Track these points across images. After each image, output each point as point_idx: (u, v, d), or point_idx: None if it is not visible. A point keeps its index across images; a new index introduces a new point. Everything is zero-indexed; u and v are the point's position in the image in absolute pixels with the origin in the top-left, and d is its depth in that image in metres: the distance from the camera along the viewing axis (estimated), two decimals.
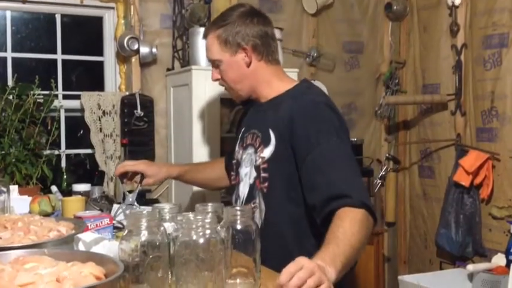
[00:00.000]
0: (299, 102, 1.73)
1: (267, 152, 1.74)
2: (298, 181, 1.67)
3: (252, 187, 1.79)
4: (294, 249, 1.63)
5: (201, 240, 1.19)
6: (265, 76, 1.84)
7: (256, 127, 1.83)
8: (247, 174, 1.81)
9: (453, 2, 3.28)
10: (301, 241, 1.69)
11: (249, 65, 1.81)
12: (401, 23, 3.76)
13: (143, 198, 2.71)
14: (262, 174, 1.75)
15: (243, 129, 1.93)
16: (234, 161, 1.92)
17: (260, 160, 1.76)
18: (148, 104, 3.08)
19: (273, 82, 1.84)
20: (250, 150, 1.82)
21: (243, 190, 1.82)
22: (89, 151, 3.13)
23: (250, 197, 1.79)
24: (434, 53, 3.48)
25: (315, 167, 1.59)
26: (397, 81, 3.73)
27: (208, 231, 1.20)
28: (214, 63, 1.86)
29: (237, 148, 1.92)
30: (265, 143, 1.76)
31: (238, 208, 1.32)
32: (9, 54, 3.00)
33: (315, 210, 1.58)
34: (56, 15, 3.10)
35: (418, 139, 3.66)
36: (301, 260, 1.18)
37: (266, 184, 1.74)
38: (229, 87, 1.88)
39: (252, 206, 1.76)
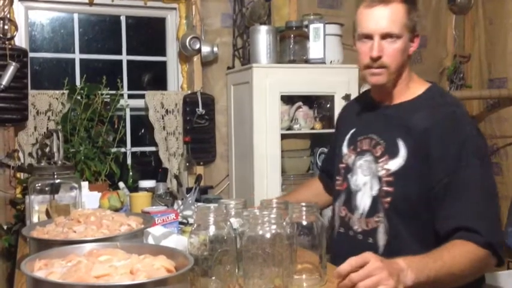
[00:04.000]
0: (436, 114, 1.57)
1: (394, 164, 1.58)
2: (425, 200, 1.54)
3: (375, 200, 1.62)
4: None
5: (268, 235, 1.20)
6: (408, 72, 1.66)
7: (376, 132, 1.66)
8: (366, 184, 1.65)
9: None
10: None
11: (410, 55, 1.65)
12: (465, 16, 3.65)
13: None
14: (385, 188, 1.59)
15: (352, 131, 1.76)
16: (343, 165, 1.76)
17: (384, 172, 1.60)
18: (209, 102, 3.13)
19: (410, 82, 1.67)
20: (369, 158, 1.66)
21: (363, 201, 1.66)
22: (152, 149, 3.21)
23: (374, 211, 1.62)
24: (501, 46, 3.36)
25: (450, 193, 1.48)
26: (461, 75, 3.62)
27: (274, 227, 1.21)
28: (389, 36, 1.58)
29: (345, 151, 1.76)
30: (392, 153, 1.59)
31: (303, 204, 1.32)
32: (77, 56, 3.11)
33: (439, 235, 1.50)
34: (121, 17, 3.19)
35: (484, 135, 3.54)
36: (369, 256, 1.17)
37: (388, 199, 1.58)
38: (388, 70, 1.61)
39: (376, 220, 1.62)
